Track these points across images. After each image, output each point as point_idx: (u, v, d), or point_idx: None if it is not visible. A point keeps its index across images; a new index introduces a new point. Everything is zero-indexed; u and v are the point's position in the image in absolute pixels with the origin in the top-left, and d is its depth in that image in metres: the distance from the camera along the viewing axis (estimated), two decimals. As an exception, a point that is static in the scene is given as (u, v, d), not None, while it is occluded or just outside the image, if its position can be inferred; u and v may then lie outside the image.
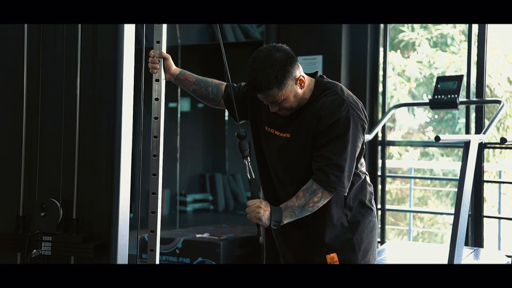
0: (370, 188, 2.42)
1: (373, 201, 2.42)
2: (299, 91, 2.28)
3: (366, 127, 2.31)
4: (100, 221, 2.71)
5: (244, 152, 2.34)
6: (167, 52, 2.46)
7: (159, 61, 2.44)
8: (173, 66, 2.47)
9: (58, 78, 2.75)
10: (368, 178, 2.42)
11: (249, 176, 2.33)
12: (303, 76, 2.28)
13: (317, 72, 2.39)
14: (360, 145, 2.30)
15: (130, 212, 2.76)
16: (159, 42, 2.44)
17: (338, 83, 2.36)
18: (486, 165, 4.64)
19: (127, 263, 2.71)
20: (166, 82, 2.49)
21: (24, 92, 2.78)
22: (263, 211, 2.23)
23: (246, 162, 2.34)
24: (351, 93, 2.33)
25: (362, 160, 2.40)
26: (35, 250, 2.68)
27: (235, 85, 2.52)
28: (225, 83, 2.52)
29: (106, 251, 2.68)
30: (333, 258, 2.32)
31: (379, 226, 4.97)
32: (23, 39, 2.77)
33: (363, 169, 2.41)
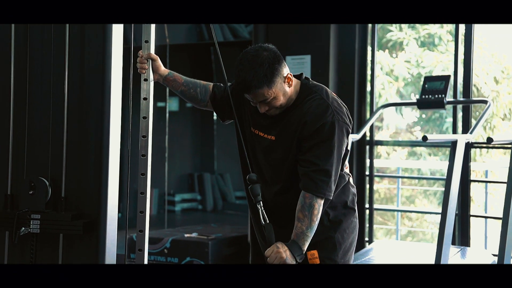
0: (353, 190, 2.44)
1: (355, 202, 2.44)
2: (288, 89, 2.30)
3: (350, 130, 2.33)
4: (89, 199, 2.71)
5: (257, 197, 2.33)
6: (155, 51, 2.45)
7: (147, 61, 2.43)
8: (162, 67, 2.46)
9: (46, 77, 2.74)
10: (351, 180, 2.44)
11: (263, 221, 2.31)
12: (290, 74, 2.30)
13: (302, 74, 2.41)
14: (344, 148, 2.31)
15: (118, 212, 2.75)
16: (147, 41, 2.43)
17: (323, 86, 2.37)
18: (472, 165, 4.68)
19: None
20: (154, 82, 2.48)
21: (11, 87, 2.76)
22: (284, 253, 2.24)
23: (259, 207, 2.33)
24: (336, 97, 2.35)
25: (346, 162, 2.42)
26: (23, 228, 2.67)
27: (221, 85, 2.52)
28: (213, 84, 2.53)
29: (95, 228, 2.67)
30: (313, 254, 2.33)
31: (367, 225, 4.99)
32: (10, 39, 2.75)
33: (347, 170, 2.43)
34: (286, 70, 2.29)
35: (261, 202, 2.32)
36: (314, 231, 2.27)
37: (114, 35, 2.61)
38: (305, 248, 2.27)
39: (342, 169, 2.36)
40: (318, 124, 2.24)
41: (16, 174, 2.77)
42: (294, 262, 2.24)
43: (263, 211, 2.31)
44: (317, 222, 2.26)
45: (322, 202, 2.26)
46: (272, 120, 2.33)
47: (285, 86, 2.28)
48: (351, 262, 2.43)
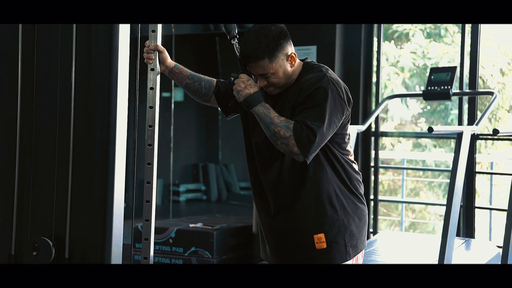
0: (359, 177, 2.43)
1: (361, 189, 2.42)
2: (289, 68, 2.30)
3: (347, 109, 2.30)
4: (93, 261, 2.66)
5: (230, 32, 2.37)
6: (161, 41, 2.46)
7: (154, 52, 2.43)
8: (168, 59, 2.47)
9: (53, 67, 2.74)
10: (356, 167, 2.43)
11: (238, 53, 2.35)
12: (294, 54, 2.31)
13: (306, 58, 2.43)
14: (337, 123, 2.27)
15: (124, 201, 2.75)
16: (154, 31, 2.43)
17: (324, 65, 2.38)
18: (478, 157, 4.67)
19: (121, 259, 2.69)
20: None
21: (19, 89, 2.76)
22: (245, 87, 2.29)
23: (234, 43, 2.37)
24: (336, 76, 2.35)
25: (350, 149, 2.41)
26: None
27: (225, 81, 2.54)
28: (217, 79, 2.54)
29: None
30: (320, 238, 2.31)
31: (372, 217, 4.99)
32: (18, 32, 2.75)
33: (351, 157, 2.42)
34: (291, 49, 2.30)
35: (235, 38, 2.37)
36: (265, 127, 2.25)
37: (121, 26, 2.60)
38: (254, 111, 2.27)
39: (344, 153, 2.35)
40: (311, 89, 2.23)
41: (20, 234, 2.74)
42: (240, 100, 2.29)
43: (238, 46, 2.35)
44: (271, 133, 2.22)
45: (291, 148, 2.20)
46: (275, 102, 2.35)
47: (287, 64, 2.29)
48: (362, 248, 2.40)
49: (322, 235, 2.31)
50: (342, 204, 2.34)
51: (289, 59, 2.30)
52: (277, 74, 2.28)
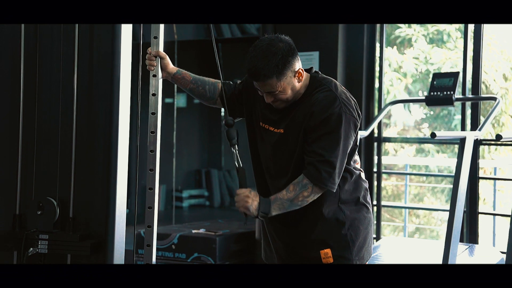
0: (365, 185, 2.42)
1: (368, 197, 2.41)
2: (297, 84, 2.27)
3: (359, 124, 2.31)
4: (96, 220, 2.71)
5: (232, 140, 2.36)
6: (164, 47, 2.45)
7: (156, 58, 2.43)
8: (170, 65, 2.46)
9: (55, 73, 2.75)
10: (363, 175, 2.42)
11: (236, 164, 2.33)
12: (301, 70, 2.28)
13: (312, 68, 2.39)
14: (351, 143, 2.29)
15: (126, 207, 2.76)
16: (156, 37, 2.43)
17: (332, 79, 2.35)
18: (481, 162, 4.66)
19: (123, 261, 2.70)
20: (162, 79, 2.48)
21: (21, 89, 2.77)
22: (251, 201, 2.23)
23: (234, 150, 2.35)
24: (345, 90, 2.33)
25: (357, 157, 2.40)
26: (31, 249, 2.68)
27: (231, 83, 2.51)
28: (222, 81, 2.52)
29: (103, 249, 2.68)
30: (327, 253, 2.31)
31: (375, 222, 4.98)
32: (20, 35, 2.76)
33: (358, 166, 2.41)
34: (298, 65, 2.27)
35: (236, 146, 2.35)
36: (291, 208, 2.23)
37: (123, 31, 2.61)
38: (273, 213, 2.24)
39: (351, 164, 2.35)
40: (325, 115, 2.22)
41: (24, 194, 2.78)
42: (254, 214, 2.23)
43: (238, 154, 2.34)
44: (300, 204, 2.23)
45: (320, 192, 2.24)
46: (281, 115, 2.32)
47: (295, 80, 2.26)
48: (368, 258, 2.40)
49: (328, 250, 2.31)
50: (351, 218, 2.33)
51: (297, 75, 2.26)
52: (285, 91, 2.25)
